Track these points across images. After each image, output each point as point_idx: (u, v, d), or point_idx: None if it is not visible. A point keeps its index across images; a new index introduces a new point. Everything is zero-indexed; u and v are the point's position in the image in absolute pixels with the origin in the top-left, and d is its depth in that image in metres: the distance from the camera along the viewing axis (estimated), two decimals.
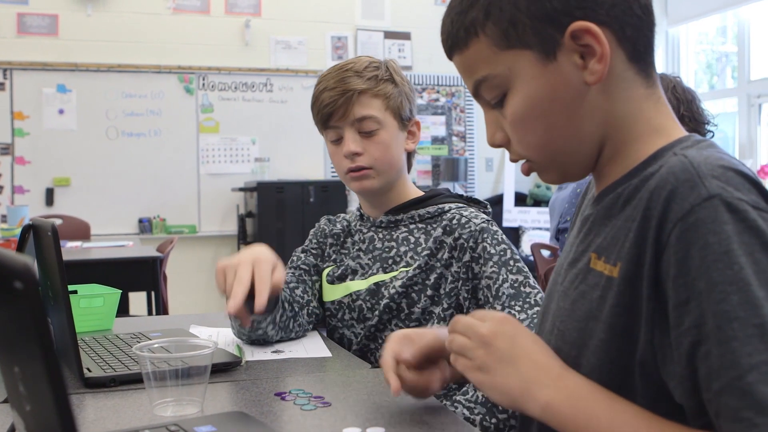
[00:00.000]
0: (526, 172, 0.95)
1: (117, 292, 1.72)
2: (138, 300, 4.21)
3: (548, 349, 0.89)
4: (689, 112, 2.17)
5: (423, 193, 1.62)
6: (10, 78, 5.92)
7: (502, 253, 1.46)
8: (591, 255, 0.88)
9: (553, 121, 0.87)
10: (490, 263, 1.45)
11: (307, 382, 1.22)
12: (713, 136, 2.23)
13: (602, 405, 0.80)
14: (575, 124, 0.87)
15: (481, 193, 6.88)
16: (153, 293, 3.65)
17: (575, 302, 0.89)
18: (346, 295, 1.58)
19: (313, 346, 1.48)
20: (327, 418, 1.03)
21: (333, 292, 1.61)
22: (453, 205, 1.56)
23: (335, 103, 1.53)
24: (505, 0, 0.85)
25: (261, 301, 1.24)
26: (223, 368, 1.28)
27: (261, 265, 1.29)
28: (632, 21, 0.85)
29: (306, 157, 6.52)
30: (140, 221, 6.14)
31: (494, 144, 0.94)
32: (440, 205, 1.56)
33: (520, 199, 6.74)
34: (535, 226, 6.24)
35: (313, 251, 1.67)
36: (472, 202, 1.61)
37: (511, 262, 1.45)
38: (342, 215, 1.72)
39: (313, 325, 1.62)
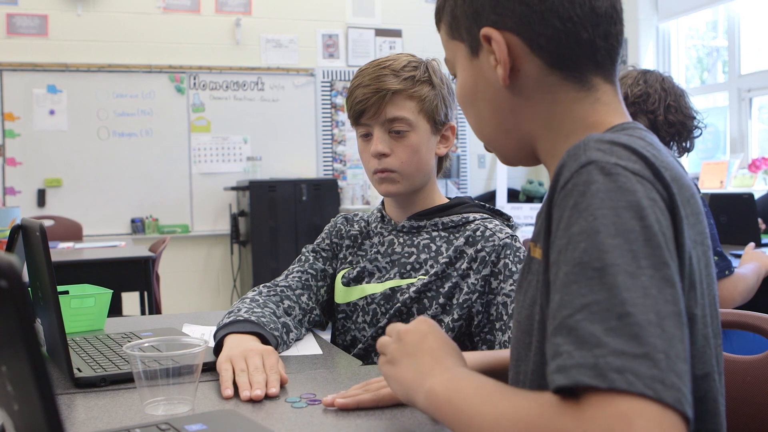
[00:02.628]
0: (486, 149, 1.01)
1: (108, 292, 1.72)
2: (131, 300, 4.20)
3: (455, 349, 0.93)
4: (677, 104, 2.19)
5: (448, 200, 1.59)
6: (0, 79, 5.89)
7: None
8: (530, 245, 0.90)
9: (479, 110, 0.95)
10: (510, 281, 1.43)
11: (298, 380, 1.22)
12: (701, 133, 2.25)
13: (480, 390, 0.78)
14: (497, 118, 0.93)
15: (474, 189, 6.89)
16: (146, 293, 3.64)
17: (525, 292, 0.91)
18: (361, 298, 1.56)
19: (304, 344, 1.48)
20: (318, 415, 1.03)
21: (348, 295, 1.58)
22: (478, 216, 1.53)
23: (367, 101, 1.50)
24: None
25: (273, 392, 1.13)
26: (214, 367, 1.28)
27: (269, 356, 1.23)
28: (547, 32, 0.87)
29: (298, 156, 6.52)
30: (133, 221, 6.12)
31: None
32: (465, 215, 1.53)
33: (513, 195, 6.76)
34: (528, 222, 6.25)
35: (324, 253, 1.63)
36: (495, 213, 1.58)
37: None
38: (360, 215, 1.68)
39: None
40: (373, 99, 1.50)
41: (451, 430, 0.79)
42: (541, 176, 6.95)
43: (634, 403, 0.61)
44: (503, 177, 6.66)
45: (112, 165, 6.08)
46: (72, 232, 5.25)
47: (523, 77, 0.89)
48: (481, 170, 7.03)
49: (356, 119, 1.55)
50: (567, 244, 0.72)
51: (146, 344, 1.11)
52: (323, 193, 6.02)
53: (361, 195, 6.56)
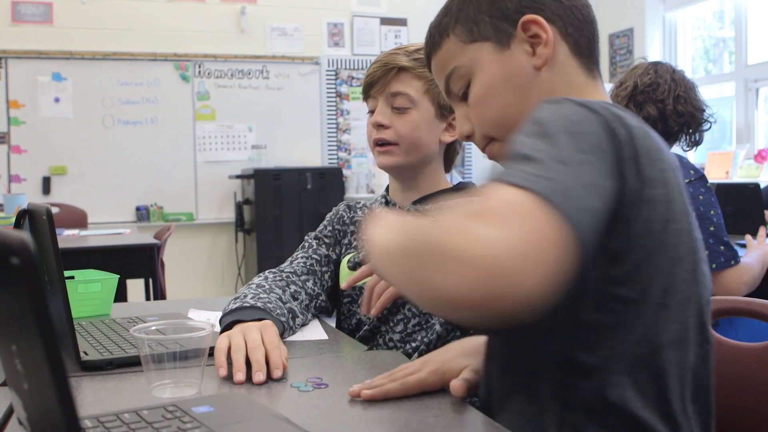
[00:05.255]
0: (491, 156, 1.09)
1: (114, 277, 1.72)
2: (136, 287, 4.21)
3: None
4: (686, 95, 2.20)
5: (453, 185, 1.60)
6: (5, 67, 5.89)
7: None
8: None
9: (507, 100, 1.02)
10: None
11: (303, 365, 1.22)
12: (710, 126, 2.26)
13: None
14: (525, 102, 0.99)
15: (478, 179, 6.88)
16: (151, 280, 3.65)
17: None
18: (366, 282, 1.56)
19: (310, 329, 1.48)
20: (324, 399, 1.03)
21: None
22: None
23: (375, 74, 1.56)
24: (471, 5, 1.04)
25: (277, 375, 1.14)
26: None
27: (269, 331, 1.25)
28: (574, 22, 1.02)
29: (303, 144, 6.52)
30: (137, 209, 6.13)
31: (463, 135, 1.10)
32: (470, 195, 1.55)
33: None
34: None
35: (326, 240, 1.64)
36: None
37: None
38: (363, 202, 1.69)
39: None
40: (379, 72, 1.55)
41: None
42: None
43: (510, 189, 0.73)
44: None
45: (117, 153, 6.08)
46: (77, 219, 5.26)
47: (552, 61, 1.01)
48: (486, 160, 7.02)
49: (365, 92, 1.60)
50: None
51: (153, 328, 1.11)
52: (328, 182, 6.02)
53: (365, 184, 6.55)
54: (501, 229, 0.67)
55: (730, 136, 5.58)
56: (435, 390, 1.04)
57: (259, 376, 1.11)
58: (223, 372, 1.13)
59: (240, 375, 1.12)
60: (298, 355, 1.28)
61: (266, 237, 5.85)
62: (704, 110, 2.24)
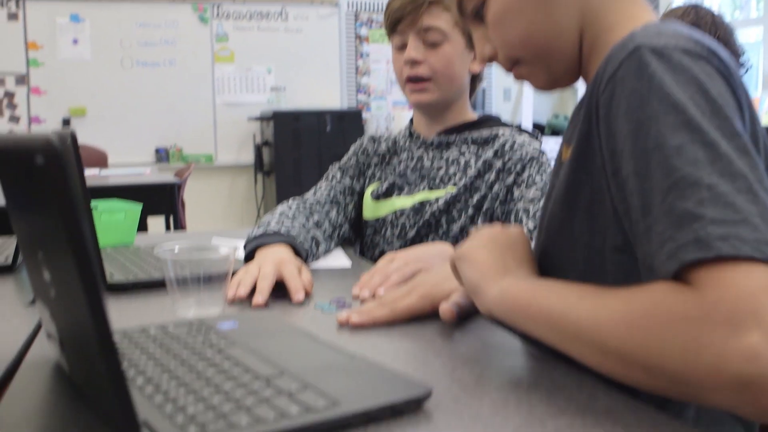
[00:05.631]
0: (519, 77, 0.98)
1: (138, 207, 1.73)
2: (157, 225, 4.24)
3: (536, 270, 0.89)
4: (725, 39, 2.17)
5: (477, 117, 1.58)
6: (23, 8, 5.87)
7: (546, 183, 1.43)
8: (563, 146, 0.89)
9: (530, 17, 0.91)
10: (534, 189, 1.43)
11: (327, 288, 1.22)
12: (746, 72, 2.23)
13: (573, 289, 0.74)
14: (552, 18, 0.90)
15: None
16: (171, 218, 3.67)
17: (551, 194, 0.90)
18: (390, 212, 1.57)
19: (333, 257, 1.48)
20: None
21: (377, 209, 1.59)
22: (507, 131, 1.53)
23: (404, 9, 1.50)
24: None
25: (299, 299, 1.14)
26: None
27: (287, 266, 1.20)
28: None
29: (322, 87, 6.47)
30: (157, 151, 6.14)
31: (484, 57, 0.99)
32: (495, 130, 1.53)
33: (538, 129, 6.69)
34: (553, 155, 6.21)
35: (351, 171, 1.64)
36: (524, 132, 1.58)
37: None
38: (387, 134, 1.68)
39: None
40: (409, 7, 1.50)
41: (528, 330, 0.76)
42: (567, 110, 6.86)
43: (744, 268, 0.59)
44: (528, 111, 6.59)
45: (136, 94, 6.07)
46: (97, 160, 5.28)
47: None
48: (507, 104, 6.96)
49: (392, 28, 1.54)
50: (635, 131, 0.71)
51: (177, 249, 1.11)
52: (347, 124, 6.00)
53: (385, 126, 6.53)
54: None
55: (756, 81, 5.48)
56: (425, 315, 1.02)
57: (257, 298, 1.11)
58: (231, 293, 1.14)
59: (242, 291, 1.13)
60: (322, 280, 1.29)
61: (285, 179, 5.86)
62: (741, 55, 2.21)
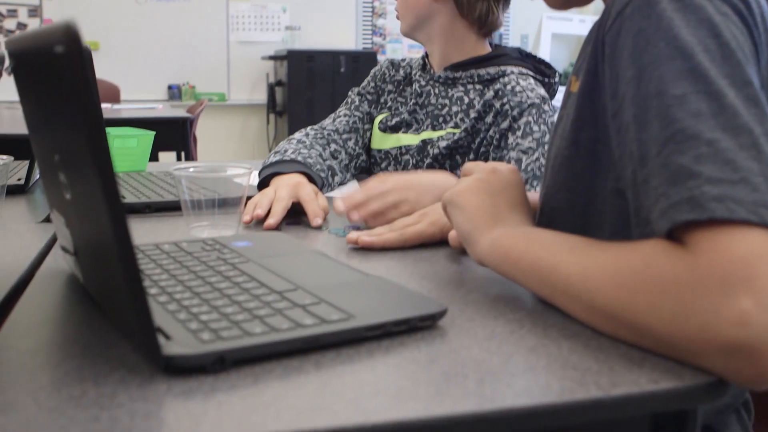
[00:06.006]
0: None
1: (151, 134, 1.72)
2: (168, 160, 4.23)
3: (531, 216, 0.87)
4: None
5: (488, 52, 1.53)
6: None
7: (544, 133, 1.38)
8: (571, 78, 0.85)
9: None
10: (530, 139, 1.37)
11: (341, 217, 1.21)
12: None
13: (564, 242, 0.73)
14: None
15: None
16: (183, 154, 3.66)
17: (557, 128, 0.88)
18: (395, 147, 1.55)
19: (348, 188, 1.47)
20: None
21: (383, 141, 1.57)
22: (516, 70, 1.47)
23: None
24: None
25: (317, 223, 1.13)
26: None
27: (304, 188, 1.20)
28: None
29: (337, 26, 6.40)
30: (169, 87, 6.11)
31: None
32: (502, 68, 1.48)
33: None
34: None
35: (369, 96, 1.62)
36: (542, 64, 1.52)
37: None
38: (407, 60, 1.65)
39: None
40: None
41: (519, 282, 0.75)
42: None
43: (739, 232, 0.57)
44: (545, 58, 6.51)
45: (150, 30, 6.01)
46: (110, 94, 5.26)
47: None
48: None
49: None
50: (638, 75, 0.68)
51: (192, 170, 1.10)
52: (362, 66, 5.94)
53: None
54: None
55: None
56: (435, 241, 1.02)
57: (270, 221, 1.11)
58: (247, 217, 1.13)
59: (259, 211, 1.13)
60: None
61: (298, 119, 5.83)
62: None
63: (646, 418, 0.63)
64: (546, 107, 1.41)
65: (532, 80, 1.46)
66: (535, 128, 1.38)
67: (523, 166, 1.35)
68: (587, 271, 0.66)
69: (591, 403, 0.55)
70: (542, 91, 1.44)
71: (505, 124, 1.41)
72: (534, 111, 1.39)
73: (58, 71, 0.56)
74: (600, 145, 0.78)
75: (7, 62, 0.80)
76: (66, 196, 0.69)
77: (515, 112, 1.40)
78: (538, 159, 1.35)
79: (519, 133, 1.38)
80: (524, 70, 1.48)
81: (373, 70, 1.65)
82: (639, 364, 0.60)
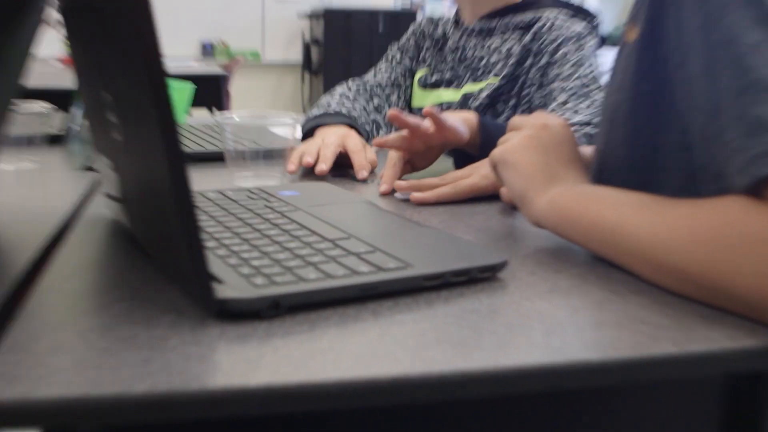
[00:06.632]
0: None
1: (188, 86, 1.69)
2: (201, 115, 4.23)
3: (586, 174, 0.83)
4: None
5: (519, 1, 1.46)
6: None
7: (581, 61, 1.32)
8: (625, 28, 0.80)
9: None
10: (567, 66, 1.31)
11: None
12: None
13: (631, 199, 0.70)
14: None
15: None
16: (217, 111, 3.64)
17: (612, 81, 0.83)
18: (436, 104, 1.51)
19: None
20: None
21: (423, 98, 1.52)
22: (553, 13, 1.41)
23: None
24: None
25: (363, 175, 1.11)
26: None
27: (351, 139, 1.17)
28: None
29: None
30: (203, 45, 6.08)
31: None
32: (539, 13, 1.41)
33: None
34: None
35: (410, 52, 1.57)
36: (579, 12, 1.45)
37: (589, 73, 1.30)
38: (446, 16, 1.60)
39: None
40: None
41: (579, 243, 0.72)
42: None
43: None
44: None
45: None
46: None
47: None
48: None
49: None
50: (705, 23, 0.64)
51: (236, 119, 1.08)
52: (400, 26, 5.86)
53: None
54: None
55: None
56: (486, 195, 0.99)
57: (320, 166, 1.10)
58: (292, 167, 1.11)
59: (308, 159, 1.11)
60: (382, 163, 1.25)
61: (334, 79, 5.78)
62: None
63: (719, 380, 0.60)
64: (586, 41, 1.35)
65: (569, 17, 1.40)
66: (573, 59, 1.32)
67: (564, 97, 1.29)
68: (657, 230, 0.63)
69: (667, 359, 0.52)
70: (582, 27, 1.38)
71: (543, 60, 1.35)
72: (571, 42, 1.34)
73: (118, 8, 0.54)
74: (662, 96, 0.74)
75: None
76: (116, 137, 0.67)
77: (552, 47, 1.34)
78: (578, 78, 1.29)
79: (557, 65, 1.33)
80: (563, 15, 1.42)
81: (411, 27, 1.60)
82: (713, 322, 0.57)
